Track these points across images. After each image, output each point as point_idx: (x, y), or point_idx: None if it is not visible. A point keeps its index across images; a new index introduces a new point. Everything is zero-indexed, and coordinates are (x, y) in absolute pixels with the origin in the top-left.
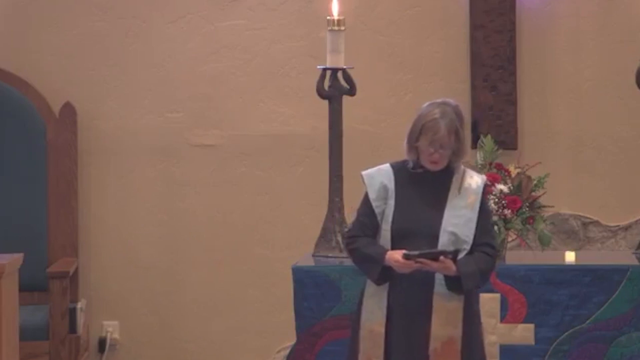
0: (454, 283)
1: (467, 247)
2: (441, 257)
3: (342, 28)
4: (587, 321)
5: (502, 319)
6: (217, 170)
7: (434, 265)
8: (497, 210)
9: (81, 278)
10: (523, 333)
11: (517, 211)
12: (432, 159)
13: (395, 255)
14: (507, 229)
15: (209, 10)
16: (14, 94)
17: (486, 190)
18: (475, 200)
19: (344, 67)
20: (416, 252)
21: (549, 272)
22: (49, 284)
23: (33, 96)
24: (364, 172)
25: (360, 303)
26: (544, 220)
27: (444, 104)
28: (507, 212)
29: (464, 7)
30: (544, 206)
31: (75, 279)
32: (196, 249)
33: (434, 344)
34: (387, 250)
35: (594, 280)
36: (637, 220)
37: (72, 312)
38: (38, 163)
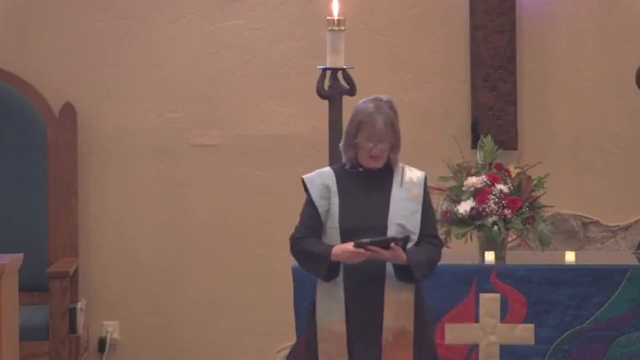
0: (404, 273)
1: (415, 237)
2: (392, 245)
3: (342, 28)
4: (587, 321)
5: (502, 319)
6: (217, 170)
7: (385, 253)
8: (497, 210)
9: (81, 278)
10: (523, 333)
11: (517, 211)
12: (372, 153)
13: (345, 246)
14: (507, 229)
15: (209, 10)
16: (14, 94)
17: (427, 183)
18: (418, 193)
19: (344, 67)
20: (367, 240)
21: (549, 272)
22: (49, 284)
23: (33, 96)
24: (304, 176)
25: (312, 306)
26: (544, 220)
27: (377, 99)
28: (507, 212)
29: (464, 7)
30: (544, 206)
31: (75, 279)
32: (196, 249)
33: (386, 335)
34: (333, 245)
35: (594, 280)
36: (637, 220)
37: (72, 312)
38: (38, 163)
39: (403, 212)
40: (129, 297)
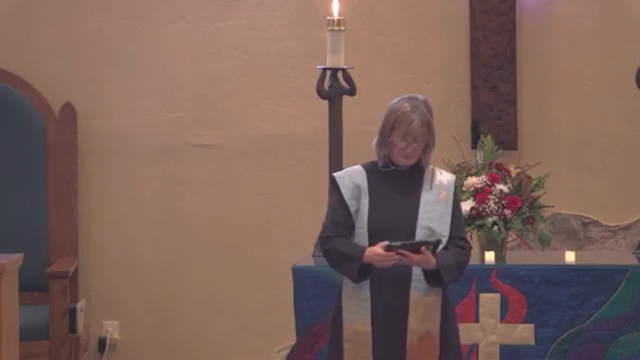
0: (433, 277)
1: (445, 240)
2: (422, 249)
3: (342, 28)
4: (587, 321)
5: (502, 319)
6: (217, 170)
7: (414, 257)
8: (497, 210)
9: (81, 278)
10: (523, 333)
11: (517, 211)
12: (405, 152)
13: (376, 249)
14: (507, 229)
15: (209, 10)
16: (14, 94)
17: (457, 186)
18: (447, 196)
19: (344, 67)
20: (398, 243)
21: (549, 272)
22: (49, 284)
23: (33, 96)
24: (335, 174)
25: (338, 306)
26: (544, 220)
27: (413, 98)
28: (507, 212)
29: (464, 7)
30: (544, 206)
31: (75, 279)
32: (196, 249)
33: (410, 339)
34: (366, 247)
35: (594, 280)
36: (637, 220)
37: (72, 312)
38: (38, 163)
39: (432, 215)
40: (129, 297)
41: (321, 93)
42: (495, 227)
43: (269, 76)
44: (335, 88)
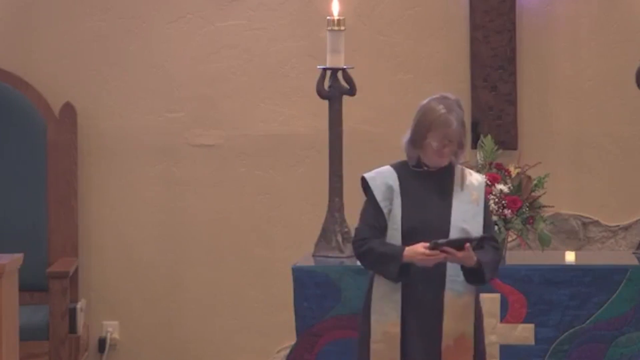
0: (471, 275)
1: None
2: (466, 245)
3: (342, 28)
4: (587, 321)
5: (502, 319)
6: (217, 170)
7: (458, 254)
8: (497, 210)
9: (81, 278)
10: (523, 333)
11: (517, 211)
12: (441, 154)
13: (417, 248)
14: (507, 229)
15: (209, 10)
16: (14, 94)
17: (486, 189)
18: (478, 196)
19: (344, 67)
20: (443, 240)
21: (549, 272)
22: (49, 284)
23: (33, 96)
24: (365, 175)
25: (367, 306)
26: (544, 220)
27: (445, 98)
28: (507, 212)
29: (464, 7)
30: (544, 206)
31: (75, 279)
32: (196, 249)
33: (446, 341)
34: (405, 247)
35: (594, 280)
36: (637, 220)
37: (72, 312)
38: (38, 163)
39: (465, 215)
40: (129, 297)
41: (321, 93)
42: (495, 227)
43: (269, 76)
44: (335, 88)
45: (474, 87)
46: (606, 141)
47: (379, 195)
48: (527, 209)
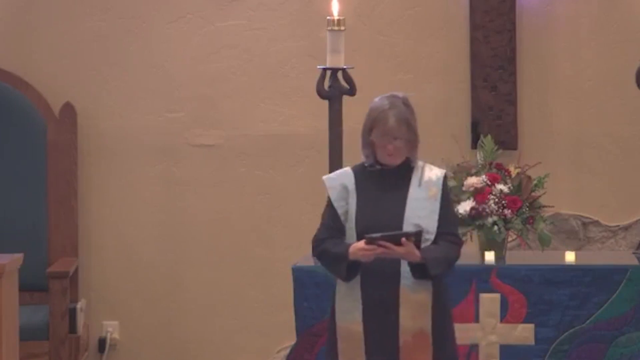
0: (419, 270)
1: (431, 236)
2: (403, 240)
3: (342, 28)
4: (587, 321)
5: (502, 319)
6: (217, 170)
7: (397, 249)
8: (497, 210)
9: (81, 278)
10: (523, 333)
11: (517, 211)
12: (387, 151)
13: (358, 244)
14: (507, 229)
15: (209, 10)
16: (14, 94)
17: (446, 181)
18: (437, 192)
19: (344, 67)
20: (378, 235)
21: (549, 272)
22: (49, 284)
23: (33, 96)
24: (324, 177)
25: (333, 306)
26: (544, 220)
27: (392, 96)
28: (507, 212)
29: (464, 7)
30: (544, 206)
31: (75, 279)
32: (196, 249)
33: (404, 337)
34: (350, 244)
35: (594, 280)
36: (637, 220)
37: (72, 312)
38: (38, 163)
39: (420, 212)
40: (129, 297)
41: (321, 93)
42: (495, 227)
43: (269, 76)
44: (335, 88)
45: (474, 87)
46: (606, 141)
47: (333, 195)
48: (527, 209)
